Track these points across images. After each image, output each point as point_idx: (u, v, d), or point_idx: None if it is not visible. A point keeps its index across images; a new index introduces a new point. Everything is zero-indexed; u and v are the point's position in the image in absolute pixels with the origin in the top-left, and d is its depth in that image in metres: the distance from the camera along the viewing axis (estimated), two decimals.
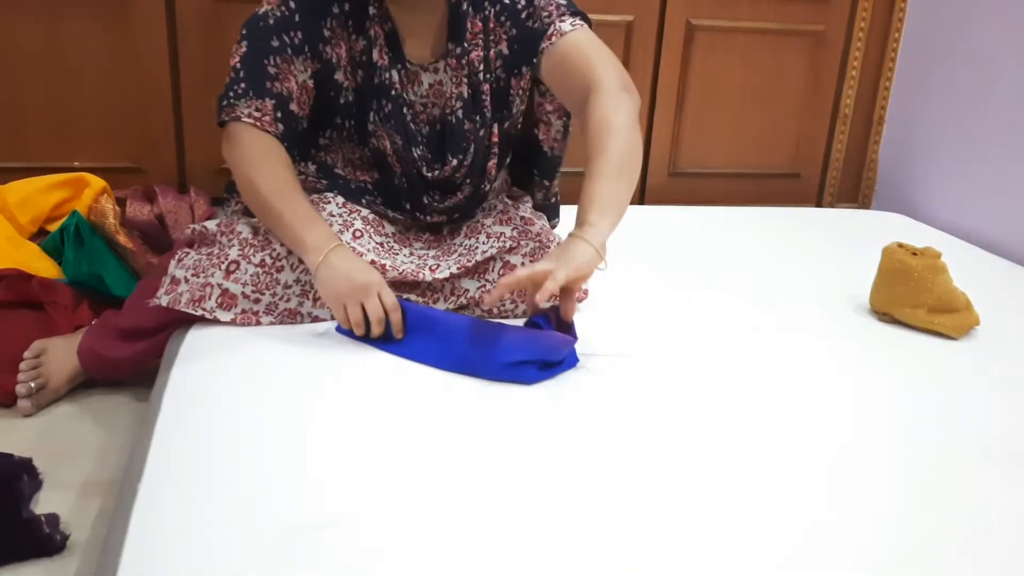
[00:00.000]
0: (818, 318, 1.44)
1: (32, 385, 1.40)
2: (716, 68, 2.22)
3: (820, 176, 2.41)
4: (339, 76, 1.31)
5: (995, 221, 2.02)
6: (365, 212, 1.35)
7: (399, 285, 1.30)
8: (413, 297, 1.31)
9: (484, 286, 1.32)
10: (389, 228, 1.39)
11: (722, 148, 2.30)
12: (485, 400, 1.09)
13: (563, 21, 1.31)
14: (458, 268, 1.31)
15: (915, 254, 1.41)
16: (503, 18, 1.33)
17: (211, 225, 1.35)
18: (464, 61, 1.32)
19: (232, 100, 1.25)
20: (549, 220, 1.53)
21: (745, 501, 0.91)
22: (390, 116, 1.32)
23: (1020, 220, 1.95)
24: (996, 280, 1.70)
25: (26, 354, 1.43)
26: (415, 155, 1.33)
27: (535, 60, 1.32)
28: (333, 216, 1.31)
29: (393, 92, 1.32)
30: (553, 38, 1.30)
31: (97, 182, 1.84)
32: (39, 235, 1.83)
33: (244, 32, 1.28)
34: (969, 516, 0.91)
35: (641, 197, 2.28)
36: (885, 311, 1.43)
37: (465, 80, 1.33)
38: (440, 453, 0.97)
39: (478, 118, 1.34)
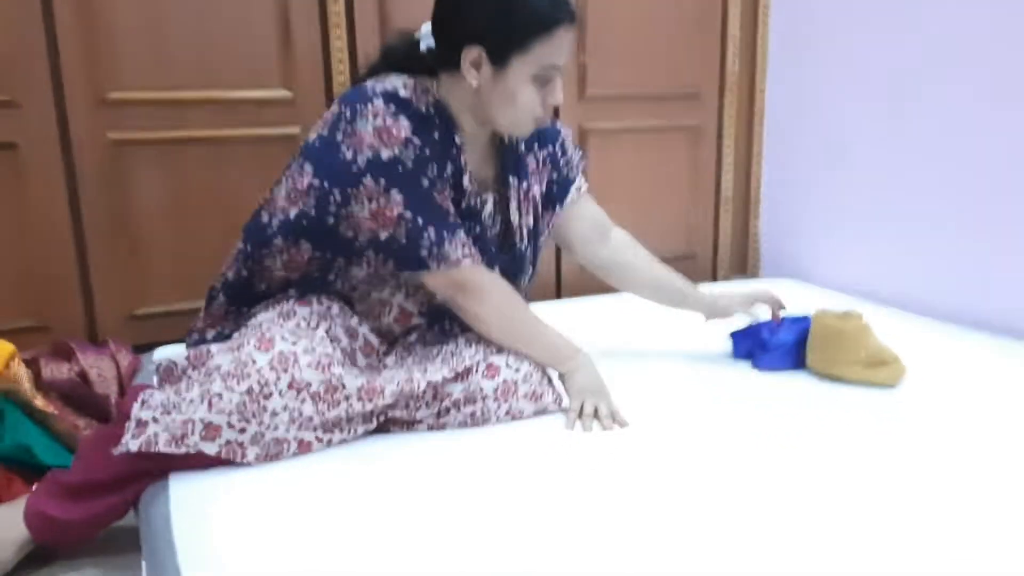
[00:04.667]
0: (759, 383, 1.55)
1: None
2: (610, 165, 2.39)
3: (712, 254, 2.61)
4: (453, 194, 1.38)
5: (867, 275, 2.27)
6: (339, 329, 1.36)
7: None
8: (398, 412, 1.32)
9: (468, 387, 1.34)
10: (360, 347, 1.39)
11: None
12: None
13: (581, 173, 1.61)
14: (450, 372, 1.33)
15: (841, 317, 1.56)
16: (548, 162, 1.54)
17: (180, 360, 1.31)
18: (529, 195, 1.46)
19: (435, 249, 1.31)
20: None
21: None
22: (477, 238, 1.39)
23: (887, 270, 2.20)
24: (887, 327, 1.88)
25: None
26: None
27: (565, 201, 1.57)
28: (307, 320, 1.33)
29: (483, 214, 1.42)
30: (582, 189, 1.60)
31: (4, 347, 1.70)
32: None
33: (383, 182, 1.28)
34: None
35: (558, 291, 2.37)
36: (824, 370, 1.56)
37: (531, 212, 1.47)
38: None
39: (537, 245, 1.51)
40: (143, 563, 1.18)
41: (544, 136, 1.54)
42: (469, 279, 1.35)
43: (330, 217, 1.32)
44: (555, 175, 1.56)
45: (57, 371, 1.74)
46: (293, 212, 1.34)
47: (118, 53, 1.85)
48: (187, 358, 1.30)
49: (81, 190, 1.87)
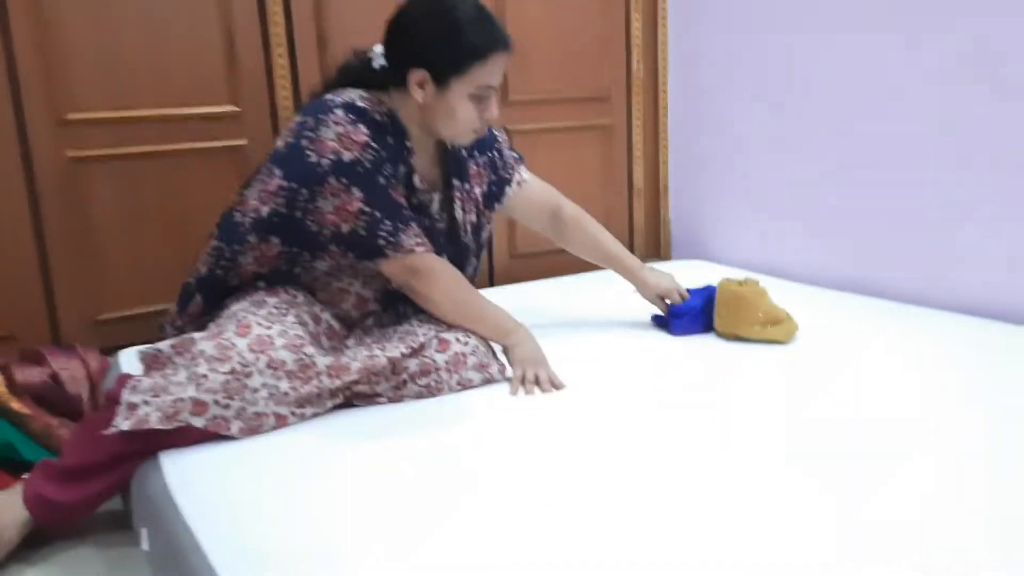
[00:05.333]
0: (674, 346, 1.77)
1: None
2: (533, 163, 2.54)
3: (629, 240, 2.85)
4: (405, 192, 1.56)
5: (761, 251, 2.54)
6: (306, 315, 1.51)
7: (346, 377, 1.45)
8: (361, 387, 1.46)
9: (423, 360, 1.50)
10: (324, 331, 1.55)
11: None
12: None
13: (520, 171, 1.83)
14: (407, 348, 1.49)
15: (741, 284, 1.78)
16: (487, 166, 1.76)
17: (164, 347, 1.43)
18: (471, 195, 1.65)
19: (391, 238, 1.47)
20: None
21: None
22: (427, 231, 1.55)
23: (777, 247, 2.48)
24: (785, 295, 2.13)
25: None
26: None
27: (503, 199, 1.79)
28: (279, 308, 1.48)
29: (432, 210, 1.59)
30: (522, 184, 1.82)
31: None
32: None
33: (344, 180, 1.44)
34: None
35: (491, 279, 2.57)
36: (729, 332, 1.79)
37: (474, 210, 1.65)
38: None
39: (479, 238, 1.70)
40: (143, 531, 1.28)
41: (483, 144, 1.74)
42: (421, 264, 1.52)
43: (298, 211, 1.48)
44: (494, 177, 1.77)
45: (30, 375, 1.83)
46: (265, 210, 1.50)
47: (74, 76, 1.95)
48: (172, 346, 1.43)
49: (42, 205, 1.96)
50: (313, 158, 1.45)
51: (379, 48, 1.57)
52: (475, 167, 1.72)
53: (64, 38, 1.94)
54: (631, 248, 2.87)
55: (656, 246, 2.93)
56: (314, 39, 2.22)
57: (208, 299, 1.57)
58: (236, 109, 2.16)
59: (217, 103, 2.14)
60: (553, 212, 1.87)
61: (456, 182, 1.66)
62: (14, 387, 1.79)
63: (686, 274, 2.11)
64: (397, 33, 1.52)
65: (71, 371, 1.86)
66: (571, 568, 0.97)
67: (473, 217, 1.70)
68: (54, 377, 1.85)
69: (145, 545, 1.29)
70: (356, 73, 1.59)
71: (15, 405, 1.75)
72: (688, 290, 1.88)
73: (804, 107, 2.37)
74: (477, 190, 1.72)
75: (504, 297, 2.14)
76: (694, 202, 2.83)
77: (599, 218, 2.72)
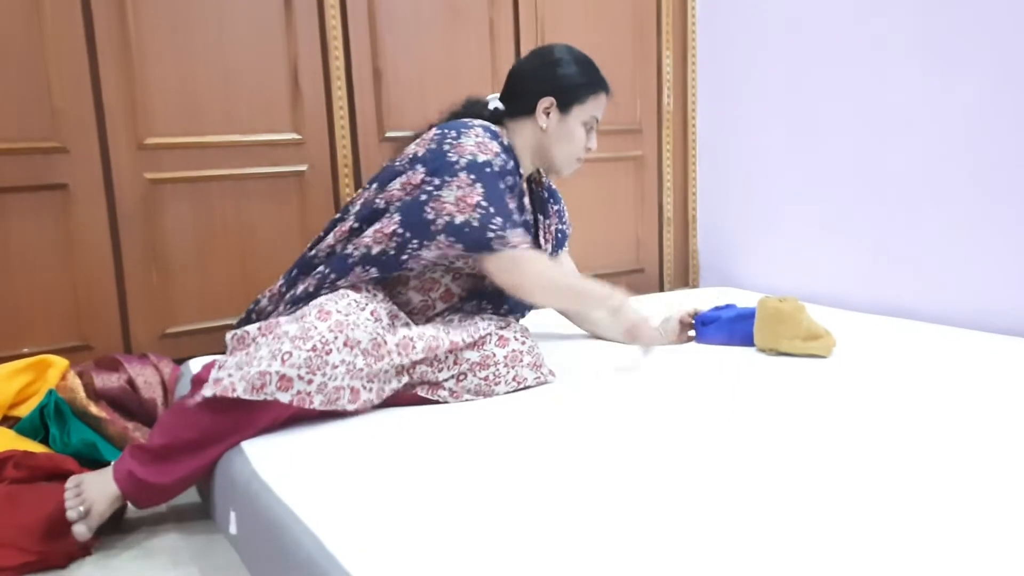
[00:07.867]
0: (717, 359, 1.85)
1: (81, 509, 1.44)
2: (569, 192, 2.70)
3: (659, 268, 2.97)
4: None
5: (788, 277, 2.65)
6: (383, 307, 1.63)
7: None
8: (424, 368, 1.59)
9: (483, 353, 1.64)
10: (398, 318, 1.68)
11: (578, 254, 2.75)
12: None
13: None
14: (468, 337, 1.63)
15: (781, 301, 1.86)
16: (557, 215, 2.00)
17: (252, 329, 1.57)
18: (551, 230, 1.90)
19: (500, 233, 1.61)
20: (523, 313, 1.89)
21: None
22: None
23: (805, 272, 2.59)
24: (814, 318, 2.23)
25: (68, 485, 1.47)
26: None
27: (561, 250, 2.02)
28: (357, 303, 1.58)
29: (532, 230, 1.80)
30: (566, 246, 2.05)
31: (60, 362, 1.92)
32: (2, 421, 1.87)
33: (473, 177, 1.62)
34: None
35: None
36: (769, 347, 1.86)
37: (550, 244, 1.90)
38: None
39: None
40: (231, 515, 1.38)
41: (555, 195, 2.01)
42: (525, 257, 1.64)
43: (404, 255, 1.62)
44: (560, 227, 2.01)
45: (108, 380, 1.95)
46: (376, 249, 1.64)
47: (153, 105, 2.11)
48: (259, 328, 1.56)
49: (121, 224, 2.10)
50: (453, 157, 1.65)
51: (493, 96, 1.85)
52: (552, 210, 1.96)
53: (145, 70, 2.10)
54: (660, 276, 2.99)
55: (685, 273, 3.05)
56: (370, 74, 2.38)
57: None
58: (298, 137, 2.31)
59: (281, 131, 2.29)
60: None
61: (540, 217, 1.89)
62: (93, 392, 1.90)
63: (714, 300, 2.20)
64: (530, 68, 1.81)
65: (146, 377, 1.98)
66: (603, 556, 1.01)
67: (550, 248, 1.92)
68: (130, 383, 1.96)
69: (233, 528, 1.39)
70: (475, 111, 1.83)
71: (94, 409, 1.86)
72: (722, 305, 2.03)
73: (830, 139, 2.48)
74: (553, 228, 1.95)
75: (542, 322, 2.24)
76: (722, 231, 2.95)
77: (630, 246, 2.88)
